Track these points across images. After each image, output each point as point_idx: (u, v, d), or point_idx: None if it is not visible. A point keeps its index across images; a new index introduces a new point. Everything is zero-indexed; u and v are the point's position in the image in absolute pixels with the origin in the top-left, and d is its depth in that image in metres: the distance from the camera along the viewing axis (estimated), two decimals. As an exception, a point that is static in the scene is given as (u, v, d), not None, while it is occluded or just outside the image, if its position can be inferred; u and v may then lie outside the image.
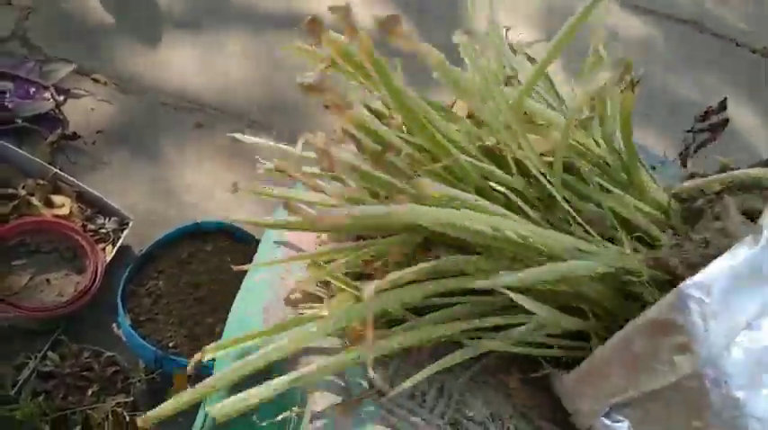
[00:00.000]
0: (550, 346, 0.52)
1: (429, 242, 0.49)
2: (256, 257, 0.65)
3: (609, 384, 0.46)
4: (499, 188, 0.50)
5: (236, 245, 1.28)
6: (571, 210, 0.49)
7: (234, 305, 0.64)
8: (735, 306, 0.42)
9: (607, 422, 0.47)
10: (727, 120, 0.75)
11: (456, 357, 0.50)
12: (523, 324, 0.49)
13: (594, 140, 0.54)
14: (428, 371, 0.49)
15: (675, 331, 0.42)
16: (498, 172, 0.50)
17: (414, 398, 0.52)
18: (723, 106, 0.75)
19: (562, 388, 0.51)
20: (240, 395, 0.45)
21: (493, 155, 0.51)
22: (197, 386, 0.46)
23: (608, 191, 0.52)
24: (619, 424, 0.46)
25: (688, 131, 0.74)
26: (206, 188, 1.46)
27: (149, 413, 0.44)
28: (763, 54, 2.21)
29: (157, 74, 1.65)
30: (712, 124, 0.75)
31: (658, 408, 0.45)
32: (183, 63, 1.69)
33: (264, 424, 0.55)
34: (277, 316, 0.57)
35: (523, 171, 0.51)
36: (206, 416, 0.65)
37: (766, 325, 0.43)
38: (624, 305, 0.49)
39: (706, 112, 0.76)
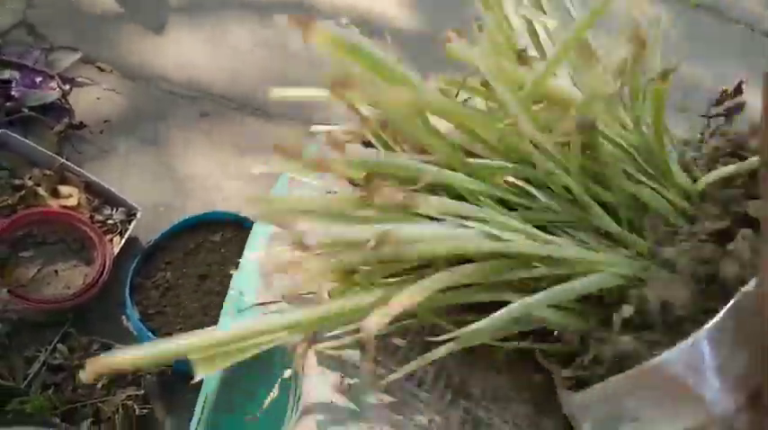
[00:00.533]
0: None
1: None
2: (251, 235, 0.64)
3: (619, 411, 0.44)
4: (514, 181, 0.48)
5: (244, 235, 1.27)
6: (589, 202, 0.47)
7: (231, 281, 0.64)
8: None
9: None
10: (743, 104, 0.72)
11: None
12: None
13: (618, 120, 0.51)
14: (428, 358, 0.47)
15: (688, 382, 0.40)
16: (510, 165, 0.48)
17: (411, 379, 0.51)
18: (739, 90, 0.73)
19: (569, 405, 0.49)
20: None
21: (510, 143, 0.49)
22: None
23: (628, 175, 0.49)
24: None
25: (703, 116, 0.72)
26: (213, 177, 1.45)
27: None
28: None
29: (163, 62, 1.63)
30: (728, 108, 0.73)
31: None
32: (189, 50, 1.67)
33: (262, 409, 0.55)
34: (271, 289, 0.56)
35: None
36: (206, 398, 0.65)
37: None
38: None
39: (722, 96, 0.74)
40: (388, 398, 0.49)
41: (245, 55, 1.70)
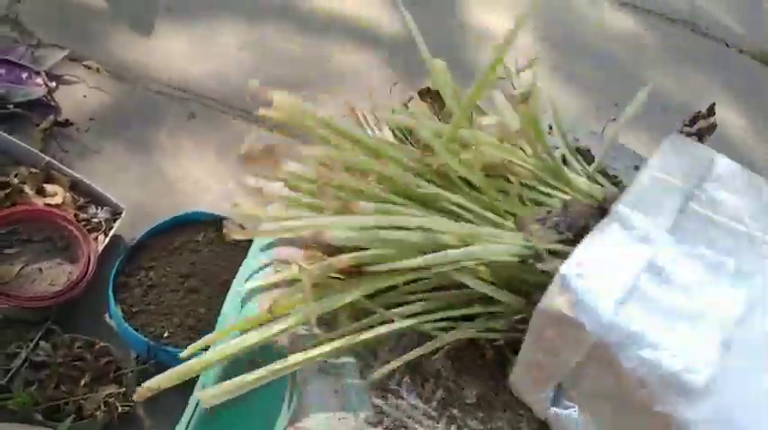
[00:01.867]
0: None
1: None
2: (245, 264, 0.66)
3: (543, 373, 0.50)
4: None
5: (228, 236, 1.29)
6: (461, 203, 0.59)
7: (223, 308, 0.66)
8: (612, 273, 0.47)
9: (558, 410, 0.51)
10: (714, 126, 0.76)
11: (425, 348, 0.54)
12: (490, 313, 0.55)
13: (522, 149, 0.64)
14: (401, 360, 0.53)
15: (566, 312, 0.46)
16: (439, 191, 0.60)
17: (393, 379, 0.55)
18: (711, 111, 0.77)
19: (513, 385, 0.55)
20: (228, 382, 0.47)
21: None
22: (184, 364, 0.50)
23: (532, 188, 0.61)
24: (568, 410, 0.50)
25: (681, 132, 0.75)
26: (200, 178, 1.46)
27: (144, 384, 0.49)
28: (753, 56, 2.22)
29: (151, 62, 1.64)
30: (700, 129, 0.76)
31: (588, 384, 0.48)
32: (177, 51, 1.68)
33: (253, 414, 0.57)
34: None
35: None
36: (196, 405, 0.66)
37: (648, 281, 0.47)
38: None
39: (694, 117, 0.78)
40: (382, 403, 0.52)
41: (232, 57, 1.71)
